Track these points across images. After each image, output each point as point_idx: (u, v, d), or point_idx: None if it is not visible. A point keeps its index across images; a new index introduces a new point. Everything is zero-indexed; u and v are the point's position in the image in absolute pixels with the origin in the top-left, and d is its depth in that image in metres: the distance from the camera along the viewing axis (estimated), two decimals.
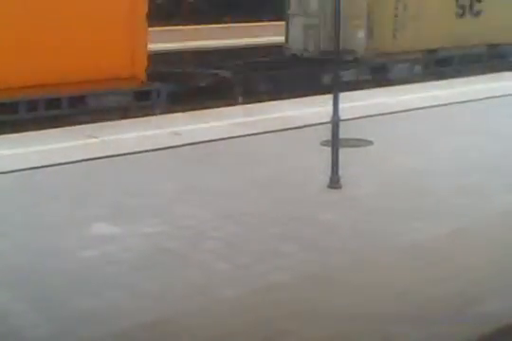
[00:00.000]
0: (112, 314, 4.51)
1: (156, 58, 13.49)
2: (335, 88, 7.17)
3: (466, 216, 6.26)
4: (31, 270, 5.15)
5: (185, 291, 4.83)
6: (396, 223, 6.10)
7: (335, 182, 7.00)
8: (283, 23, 16.15)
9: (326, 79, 13.83)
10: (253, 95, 13.60)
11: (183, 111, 11.18)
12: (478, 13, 17.09)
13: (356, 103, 10.84)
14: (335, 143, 7.07)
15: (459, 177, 7.37)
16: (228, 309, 4.59)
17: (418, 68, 16.31)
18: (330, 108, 7.05)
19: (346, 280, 5.00)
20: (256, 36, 19.13)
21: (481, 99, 11.52)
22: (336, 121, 7.08)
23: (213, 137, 9.10)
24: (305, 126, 9.64)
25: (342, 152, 7.08)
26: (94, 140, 8.98)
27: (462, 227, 5.97)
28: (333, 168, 7.01)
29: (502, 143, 8.76)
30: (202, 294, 4.77)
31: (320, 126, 8.57)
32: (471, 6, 16.93)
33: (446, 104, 11.14)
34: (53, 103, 11.25)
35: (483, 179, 7.32)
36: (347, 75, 14.11)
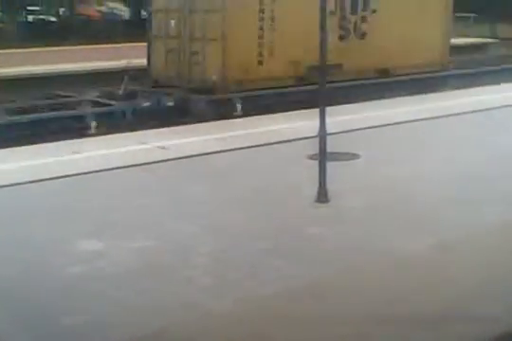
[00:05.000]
0: (100, 329, 4.46)
1: None
2: (321, 102, 7.17)
3: (454, 227, 6.27)
4: (17, 285, 5.09)
5: (174, 305, 4.79)
6: (384, 235, 6.09)
7: (322, 195, 6.99)
8: None
9: None
10: None
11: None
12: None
13: (344, 117, 10.89)
14: (322, 157, 7.06)
15: (447, 189, 7.39)
16: (219, 322, 4.56)
17: None
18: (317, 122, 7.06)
19: (334, 292, 5.00)
20: None
21: None
22: (322, 135, 7.08)
23: (200, 151, 9.08)
24: (293, 140, 9.67)
25: (330, 166, 7.07)
26: (78, 156, 8.95)
27: (449, 239, 5.97)
28: (320, 181, 7.01)
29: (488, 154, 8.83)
30: (191, 307, 4.74)
31: (308, 140, 8.57)
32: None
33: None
34: None
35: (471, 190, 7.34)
36: None
